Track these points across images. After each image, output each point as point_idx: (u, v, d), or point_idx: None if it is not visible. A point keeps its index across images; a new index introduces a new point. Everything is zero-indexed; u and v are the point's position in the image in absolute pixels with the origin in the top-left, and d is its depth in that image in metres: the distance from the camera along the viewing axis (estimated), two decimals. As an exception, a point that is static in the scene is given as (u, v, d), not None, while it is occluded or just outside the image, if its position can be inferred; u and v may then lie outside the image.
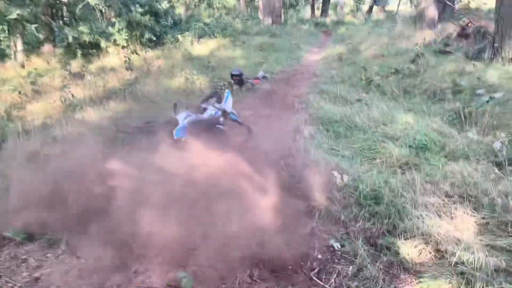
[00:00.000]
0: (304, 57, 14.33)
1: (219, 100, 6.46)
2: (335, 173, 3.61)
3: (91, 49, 12.36)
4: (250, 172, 4.36)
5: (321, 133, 5.37)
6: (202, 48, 13.56)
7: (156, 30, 13.79)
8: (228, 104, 6.06)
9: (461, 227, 2.97)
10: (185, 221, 3.15)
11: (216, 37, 15.36)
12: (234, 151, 5.15)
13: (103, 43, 12.33)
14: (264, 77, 9.52)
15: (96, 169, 3.60)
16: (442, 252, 2.76)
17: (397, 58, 10.37)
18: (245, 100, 8.05)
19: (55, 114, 6.45)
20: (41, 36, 12.39)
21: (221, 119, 5.66)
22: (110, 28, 12.52)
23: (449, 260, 2.68)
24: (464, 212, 3.10)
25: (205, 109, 6.12)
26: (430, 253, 2.78)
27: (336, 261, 2.87)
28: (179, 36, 14.51)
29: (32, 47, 12.66)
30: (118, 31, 12.56)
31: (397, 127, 5.03)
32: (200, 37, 15.10)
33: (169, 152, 4.84)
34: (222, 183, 4.03)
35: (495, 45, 8.46)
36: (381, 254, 2.86)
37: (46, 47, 12.47)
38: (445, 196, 3.39)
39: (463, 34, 11.59)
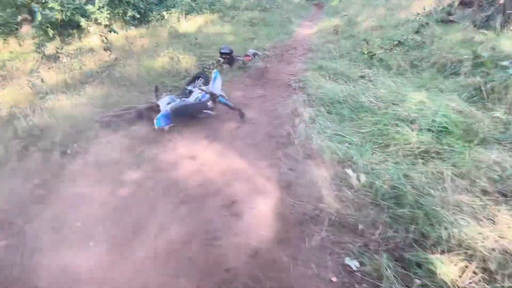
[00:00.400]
0: (296, 31, 13.53)
1: (207, 82, 5.75)
2: (349, 172, 2.97)
3: (70, 29, 11.46)
4: (243, 168, 3.75)
5: (323, 116, 4.71)
6: (189, 24, 12.69)
7: (140, 7, 12.88)
8: (216, 85, 5.36)
9: (508, 235, 2.38)
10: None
11: (204, 13, 14.48)
12: (224, 141, 4.54)
13: (83, 23, 11.41)
14: (255, 54, 8.73)
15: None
16: (492, 272, 2.16)
17: (398, 29, 9.61)
18: (235, 80, 7.32)
19: (22, 102, 5.71)
20: (19, 17, 11.49)
21: (209, 103, 4.97)
22: (90, 6, 11.59)
23: (502, 285, 2.09)
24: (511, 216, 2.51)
25: (190, 92, 5.43)
26: (475, 274, 2.18)
27: (356, 286, 2.27)
28: (164, 13, 13.60)
29: (10, 29, 11.71)
30: (99, 9, 11.63)
31: (410, 107, 4.38)
32: (187, 13, 14.21)
33: (147, 147, 4.24)
34: (210, 185, 3.43)
35: (507, 12, 7.75)
36: (411, 274, 2.27)
37: (24, 28, 11.56)
38: (482, 194, 2.78)
39: (465, 1, 10.85)
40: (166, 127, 4.50)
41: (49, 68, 7.47)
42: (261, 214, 2.92)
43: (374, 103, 4.82)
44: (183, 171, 3.69)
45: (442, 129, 3.77)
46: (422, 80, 5.70)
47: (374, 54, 7.29)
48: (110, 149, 3.98)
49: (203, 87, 5.05)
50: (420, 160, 3.34)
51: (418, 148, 3.50)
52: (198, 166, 3.80)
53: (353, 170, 3.05)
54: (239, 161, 3.85)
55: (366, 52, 7.37)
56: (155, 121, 4.34)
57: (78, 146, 3.98)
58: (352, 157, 3.52)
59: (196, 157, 4.01)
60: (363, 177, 2.92)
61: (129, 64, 7.40)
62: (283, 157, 3.77)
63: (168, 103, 4.75)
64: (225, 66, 7.97)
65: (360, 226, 2.66)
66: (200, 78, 5.82)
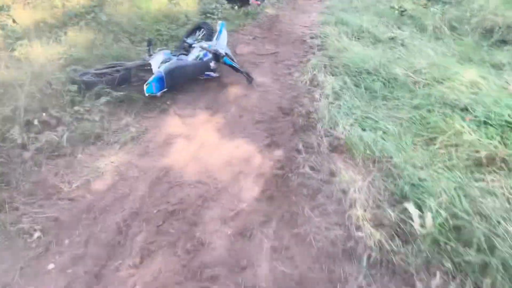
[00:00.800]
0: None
1: (210, 34, 4.79)
2: (410, 208, 2.19)
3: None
4: (251, 158, 3.01)
5: (349, 90, 3.88)
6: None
7: None
8: (221, 41, 4.43)
9: None
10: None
11: None
12: (228, 114, 3.71)
13: None
14: (264, -4, 7.65)
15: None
16: None
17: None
18: (242, 30, 6.32)
19: None
20: None
21: (212, 63, 4.10)
22: None
23: None
24: None
25: (190, 46, 4.51)
26: None
27: None
28: None
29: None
30: None
31: (458, 88, 3.56)
32: None
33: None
34: (209, 182, 2.70)
35: None
36: None
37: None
38: None
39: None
40: (159, 93, 3.67)
41: (25, 4, 6.35)
42: (271, 237, 2.22)
43: (411, 77, 3.97)
44: (175, 157, 2.93)
45: (508, 124, 2.98)
46: (464, 48, 4.79)
47: (405, 10, 6.25)
48: (88, 121, 3.18)
49: (205, 45, 4.14)
50: (485, 171, 2.59)
51: (477, 151, 2.74)
52: (195, 150, 3.04)
53: (415, 207, 2.25)
54: (246, 146, 3.09)
55: (397, 7, 6.31)
56: (145, 86, 3.49)
57: (48, 115, 3.16)
58: (391, 157, 2.76)
59: (193, 136, 3.24)
60: (429, 219, 2.14)
61: (120, 3, 6.30)
62: (302, 147, 3.00)
63: (162, 62, 3.87)
64: (235, 8, 6.92)
65: (409, 268, 1.98)
66: (202, 29, 4.86)
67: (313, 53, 5.17)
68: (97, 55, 4.31)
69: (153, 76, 3.58)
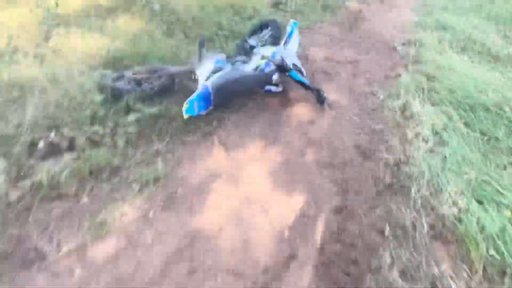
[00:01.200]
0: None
1: (278, 34, 3.91)
2: None
3: None
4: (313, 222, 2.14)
5: (457, 132, 2.81)
6: None
7: None
8: (291, 45, 3.55)
9: None
10: None
11: None
12: (288, 147, 2.87)
13: None
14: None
15: None
16: None
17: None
18: (317, 27, 5.34)
19: (25, 33, 4.22)
20: None
21: (275, 76, 3.24)
22: None
23: None
24: None
25: (252, 49, 3.67)
26: None
27: None
28: None
29: None
30: None
31: None
32: None
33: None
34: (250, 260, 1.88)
35: None
36: None
37: None
38: None
39: None
40: (202, 112, 2.89)
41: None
42: None
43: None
44: (207, 215, 2.15)
45: None
46: None
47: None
48: (106, 148, 2.49)
49: (268, 52, 3.28)
50: None
51: None
52: (237, 205, 2.23)
53: None
54: (306, 208, 2.22)
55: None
56: (184, 106, 2.72)
57: (58, 135, 2.50)
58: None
59: (237, 179, 2.44)
60: None
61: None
62: (388, 227, 2.06)
63: (212, 72, 3.07)
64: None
65: None
66: (269, 28, 3.99)
67: (405, 67, 4.08)
68: (140, 53, 3.61)
69: (196, 92, 2.79)
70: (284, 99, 3.42)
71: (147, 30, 4.14)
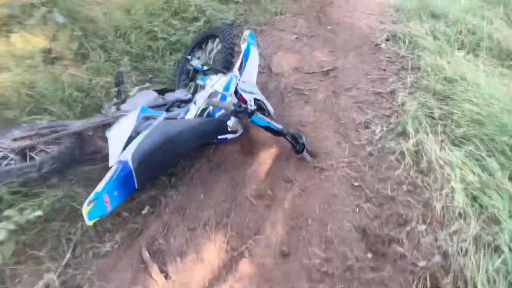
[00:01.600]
0: None
1: (231, 47, 2.87)
2: None
3: None
4: None
5: (504, 193, 1.95)
6: None
7: None
8: (249, 69, 2.54)
9: None
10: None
11: None
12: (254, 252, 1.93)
13: None
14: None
15: None
16: None
17: None
18: (279, 20, 4.27)
19: None
20: None
21: (231, 121, 2.22)
22: None
23: None
24: None
25: (196, 72, 2.62)
26: None
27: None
28: None
29: None
30: None
31: None
32: None
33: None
34: None
35: None
36: None
37: None
38: None
39: None
40: (123, 201, 1.85)
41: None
42: None
43: None
44: None
45: None
46: None
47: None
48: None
49: (219, 85, 2.25)
50: None
51: None
52: None
53: None
54: None
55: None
56: (85, 207, 1.67)
57: None
58: None
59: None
60: None
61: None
62: None
63: (143, 120, 2.00)
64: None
65: None
66: (217, 39, 2.92)
67: (397, 75, 3.15)
68: (32, 96, 2.48)
69: (108, 176, 1.74)
70: (248, 147, 2.43)
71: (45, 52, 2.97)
